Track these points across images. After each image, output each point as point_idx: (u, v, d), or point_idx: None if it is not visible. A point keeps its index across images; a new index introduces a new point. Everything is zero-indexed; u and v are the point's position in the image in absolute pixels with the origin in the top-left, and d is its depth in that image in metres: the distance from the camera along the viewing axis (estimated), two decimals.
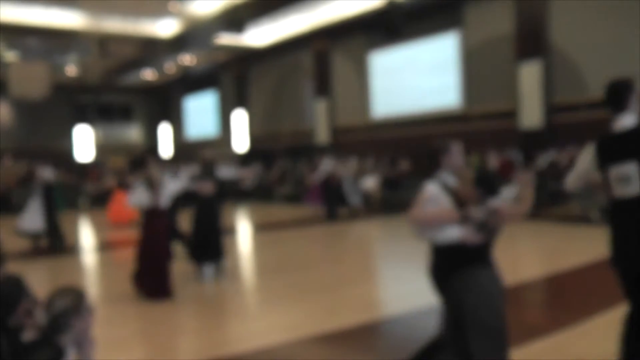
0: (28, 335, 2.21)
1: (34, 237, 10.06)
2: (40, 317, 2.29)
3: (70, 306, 2.14)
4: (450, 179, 2.98)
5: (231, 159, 18.76)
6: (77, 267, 8.98)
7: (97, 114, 28.72)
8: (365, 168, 16.17)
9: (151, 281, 6.04)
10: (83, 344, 2.18)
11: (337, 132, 19.52)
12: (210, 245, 6.97)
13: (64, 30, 18.43)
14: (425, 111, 16.47)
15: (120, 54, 21.48)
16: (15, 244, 9.89)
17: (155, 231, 6.10)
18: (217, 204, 7.20)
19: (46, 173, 10.17)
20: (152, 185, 6.03)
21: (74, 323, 2.12)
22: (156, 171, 6.14)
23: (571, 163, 12.14)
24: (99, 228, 13.93)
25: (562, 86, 13.18)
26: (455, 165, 3.02)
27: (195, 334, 4.87)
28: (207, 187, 6.93)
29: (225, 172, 7.66)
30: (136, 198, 6.11)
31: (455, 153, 3.03)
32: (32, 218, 9.85)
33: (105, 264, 9.26)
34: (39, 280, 7.35)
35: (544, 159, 12.51)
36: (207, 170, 7.19)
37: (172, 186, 6.28)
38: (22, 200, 18.52)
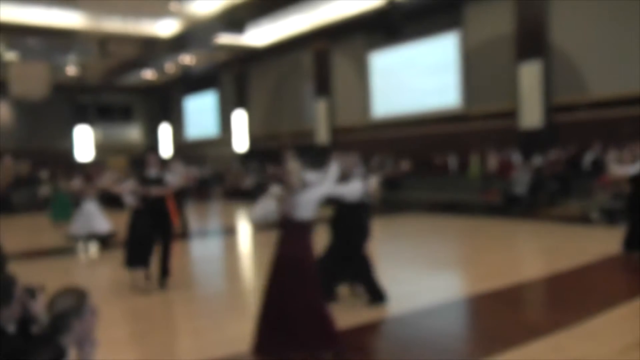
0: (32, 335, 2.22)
1: (101, 238, 10.07)
2: (38, 316, 2.29)
3: (72, 307, 2.14)
4: None
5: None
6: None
7: (97, 114, 28.75)
8: (371, 167, 16.16)
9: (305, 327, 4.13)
10: (84, 344, 2.19)
11: (337, 132, 19.52)
12: None
13: (64, 30, 18.43)
14: (425, 111, 16.47)
15: (120, 54, 21.47)
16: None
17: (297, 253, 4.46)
18: None
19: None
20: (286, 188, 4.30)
21: (74, 324, 2.12)
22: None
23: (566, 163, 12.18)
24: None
25: (562, 86, 13.18)
26: None
27: (194, 334, 4.87)
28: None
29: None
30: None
31: None
32: (98, 221, 10.00)
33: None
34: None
35: (537, 159, 12.51)
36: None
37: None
38: (22, 201, 18.68)
